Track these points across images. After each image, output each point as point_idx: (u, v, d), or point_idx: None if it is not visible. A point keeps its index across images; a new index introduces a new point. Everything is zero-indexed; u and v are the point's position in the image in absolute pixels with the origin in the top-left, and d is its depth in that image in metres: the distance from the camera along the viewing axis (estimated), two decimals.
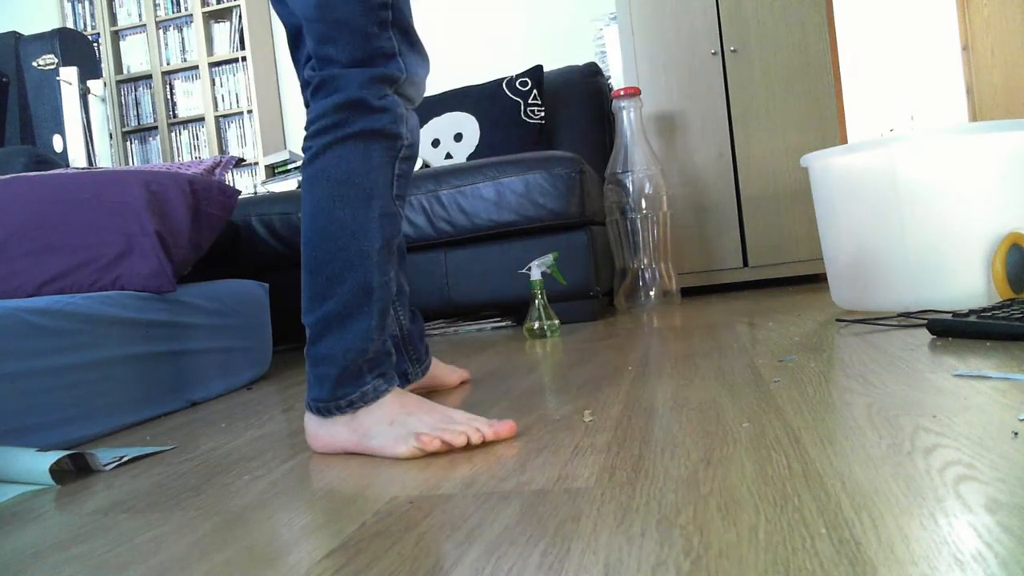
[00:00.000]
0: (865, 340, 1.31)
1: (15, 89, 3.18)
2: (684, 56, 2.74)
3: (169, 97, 4.07)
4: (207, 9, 3.94)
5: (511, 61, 3.62)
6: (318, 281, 0.89)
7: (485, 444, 0.88)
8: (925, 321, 1.44)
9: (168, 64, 4.04)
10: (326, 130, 0.89)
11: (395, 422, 0.88)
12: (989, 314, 1.20)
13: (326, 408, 0.91)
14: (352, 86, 0.88)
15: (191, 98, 4.04)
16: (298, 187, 3.00)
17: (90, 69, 3.25)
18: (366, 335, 0.89)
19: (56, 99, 3.11)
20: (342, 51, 0.88)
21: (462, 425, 0.87)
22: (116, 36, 4.12)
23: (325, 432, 0.92)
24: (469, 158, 2.73)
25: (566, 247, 2.22)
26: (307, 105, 0.98)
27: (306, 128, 0.92)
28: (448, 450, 0.86)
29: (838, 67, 2.76)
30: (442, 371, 1.30)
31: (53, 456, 0.95)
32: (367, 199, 0.89)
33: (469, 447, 0.87)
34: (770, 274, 2.71)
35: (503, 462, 0.80)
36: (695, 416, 0.91)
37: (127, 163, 4.10)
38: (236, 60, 3.93)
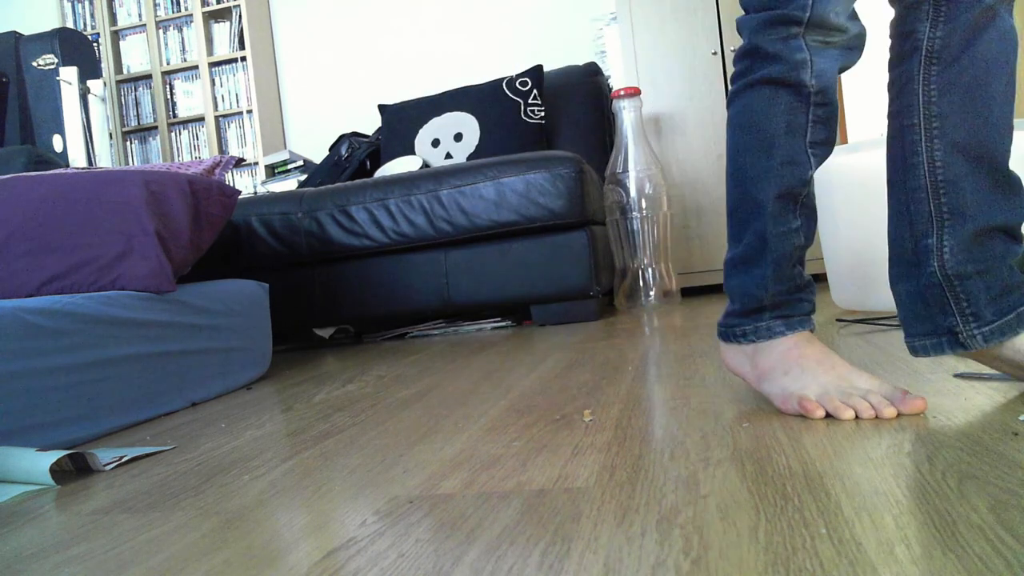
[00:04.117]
0: (865, 340, 1.31)
1: (15, 89, 3.18)
2: (684, 56, 2.74)
3: (169, 97, 4.07)
4: (207, 9, 3.94)
5: (511, 61, 3.62)
6: (732, 224, 0.94)
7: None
8: None
9: (168, 64, 4.04)
10: (734, 78, 0.91)
11: (789, 373, 0.88)
12: None
13: (723, 333, 0.95)
14: (749, 32, 0.89)
15: (191, 98, 4.04)
16: (298, 187, 3.00)
17: (90, 69, 3.25)
18: (760, 283, 0.90)
19: (56, 99, 3.11)
20: None
21: (856, 396, 0.83)
22: (116, 36, 4.12)
23: (731, 356, 0.96)
24: (469, 158, 2.73)
25: (566, 247, 2.22)
26: None
27: None
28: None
29: None
30: None
31: (53, 456, 0.94)
32: (767, 147, 0.88)
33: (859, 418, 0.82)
34: None
35: (503, 462, 0.80)
36: (695, 416, 0.91)
37: (127, 163, 4.10)
38: (236, 60, 3.92)
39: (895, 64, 0.90)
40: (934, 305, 0.86)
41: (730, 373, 0.99)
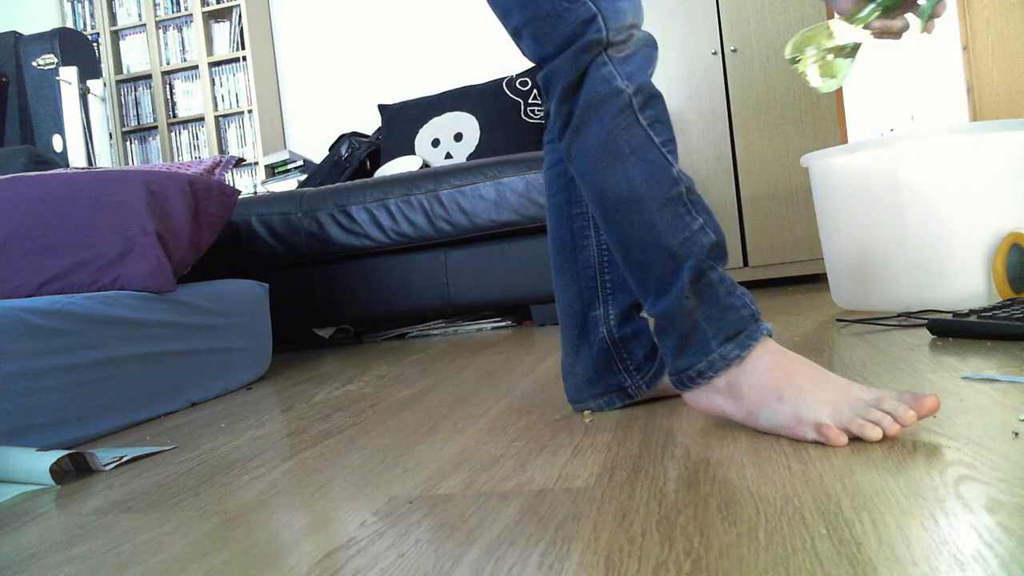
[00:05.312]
0: (865, 340, 1.31)
1: (15, 89, 3.18)
2: (684, 56, 2.74)
3: (169, 97, 4.06)
4: (207, 9, 3.93)
5: (511, 61, 3.62)
6: (630, 267, 0.87)
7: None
8: (925, 321, 1.44)
9: (168, 64, 4.04)
10: (561, 131, 0.88)
11: (784, 398, 0.76)
12: (989, 314, 1.20)
13: (680, 382, 0.85)
14: (560, 78, 0.85)
15: (191, 98, 4.04)
16: (298, 187, 2.99)
17: (90, 69, 3.25)
18: (678, 298, 0.82)
19: (56, 99, 3.11)
20: (543, 45, 0.85)
21: (873, 410, 0.72)
22: (116, 36, 4.11)
23: (699, 399, 0.85)
24: (469, 158, 2.73)
25: None
26: None
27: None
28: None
29: None
30: None
31: (53, 456, 0.94)
32: (624, 173, 0.83)
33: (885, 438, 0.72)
34: (770, 274, 2.71)
35: (503, 462, 0.80)
36: (695, 416, 0.91)
37: (127, 163, 4.10)
38: (236, 60, 3.92)
39: (559, 161, 1.00)
40: (603, 368, 0.98)
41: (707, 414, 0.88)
